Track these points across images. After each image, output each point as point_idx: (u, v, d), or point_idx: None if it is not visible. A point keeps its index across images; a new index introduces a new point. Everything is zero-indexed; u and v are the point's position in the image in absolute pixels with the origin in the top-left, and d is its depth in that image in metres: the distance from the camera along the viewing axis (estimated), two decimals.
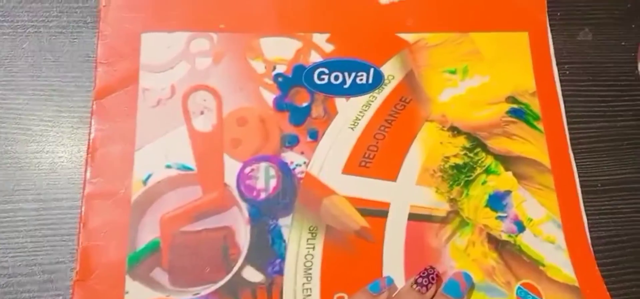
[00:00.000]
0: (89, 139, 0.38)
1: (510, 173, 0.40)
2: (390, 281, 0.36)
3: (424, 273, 0.36)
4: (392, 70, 0.42)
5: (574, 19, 0.47)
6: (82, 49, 0.42)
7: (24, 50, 0.42)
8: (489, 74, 0.42)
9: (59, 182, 0.39)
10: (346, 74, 0.41)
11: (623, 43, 0.47)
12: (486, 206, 0.39)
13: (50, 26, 0.42)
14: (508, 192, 0.39)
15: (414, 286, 0.35)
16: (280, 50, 0.41)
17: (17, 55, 0.41)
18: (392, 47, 0.42)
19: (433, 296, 0.35)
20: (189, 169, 0.38)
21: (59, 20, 0.43)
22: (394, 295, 0.36)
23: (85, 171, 0.37)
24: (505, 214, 0.39)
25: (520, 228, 0.38)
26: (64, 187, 0.39)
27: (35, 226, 0.38)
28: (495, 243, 0.38)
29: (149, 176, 0.38)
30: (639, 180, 0.43)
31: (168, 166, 0.38)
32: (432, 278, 0.36)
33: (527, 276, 0.37)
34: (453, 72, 0.42)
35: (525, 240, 0.38)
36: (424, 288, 0.35)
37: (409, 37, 0.43)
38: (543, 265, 0.38)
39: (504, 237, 0.38)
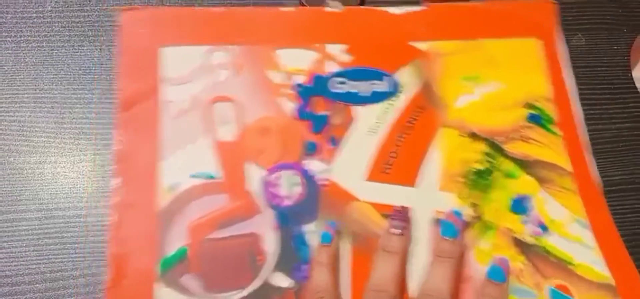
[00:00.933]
0: (115, 150, 0.38)
1: (530, 177, 0.41)
2: (333, 223, 0.38)
3: (396, 216, 0.37)
4: (407, 78, 0.43)
5: (567, 25, 0.48)
6: (83, 62, 0.43)
7: (26, 64, 0.42)
8: (503, 80, 0.43)
9: (61, 192, 0.40)
10: (363, 82, 0.42)
11: (615, 47, 0.49)
12: (508, 209, 0.40)
13: (52, 40, 0.43)
14: (529, 196, 0.40)
15: (393, 230, 0.37)
16: (298, 61, 0.42)
17: (19, 69, 0.42)
18: (406, 55, 0.43)
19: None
20: (214, 177, 0.39)
21: (61, 35, 0.43)
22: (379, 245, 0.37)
23: (113, 181, 0.38)
24: (528, 217, 0.39)
25: (544, 229, 0.39)
26: (66, 197, 0.39)
27: (37, 235, 0.38)
28: (520, 245, 0.39)
29: (175, 185, 0.38)
30: (635, 181, 0.45)
31: (193, 176, 0.38)
32: (406, 217, 0.38)
33: (556, 275, 0.38)
34: (468, 79, 0.43)
35: (551, 241, 0.39)
36: (406, 230, 0.37)
37: (423, 45, 0.44)
38: (572, 264, 0.38)
39: (529, 239, 0.39)
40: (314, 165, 0.40)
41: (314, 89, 0.42)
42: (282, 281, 0.37)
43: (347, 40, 0.43)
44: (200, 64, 0.41)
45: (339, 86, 0.42)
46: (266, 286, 0.37)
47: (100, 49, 0.44)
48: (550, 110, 0.43)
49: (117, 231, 0.37)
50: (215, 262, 0.37)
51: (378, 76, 0.42)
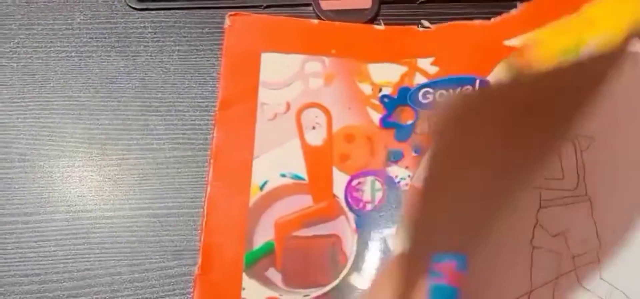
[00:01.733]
0: (212, 146, 0.41)
1: None
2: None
3: None
4: (498, 77, 0.42)
5: None
6: (109, 71, 0.45)
7: (56, 73, 0.45)
8: (609, 29, 0.40)
9: (89, 195, 0.42)
10: (451, 90, 0.43)
11: None
12: None
13: (80, 51, 0.45)
14: None
15: None
16: (386, 75, 0.44)
17: (50, 77, 0.44)
18: (498, 56, 0.43)
19: None
20: (301, 179, 0.41)
21: (90, 46, 0.45)
22: None
23: (208, 174, 0.41)
24: None
25: None
26: (93, 199, 0.42)
27: (65, 236, 0.40)
28: None
29: (266, 183, 0.40)
30: None
31: (283, 175, 0.41)
32: None
33: None
34: (567, 52, 0.41)
35: None
36: None
37: (515, 41, 0.43)
38: None
39: None
40: (397, 172, 0.41)
41: (398, 100, 0.43)
42: (361, 282, 0.38)
43: (436, 53, 0.44)
44: (295, 71, 0.44)
45: (425, 96, 0.43)
46: (344, 286, 0.38)
47: (126, 60, 0.45)
48: None
49: (210, 222, 0.39)
50: (299, 259, 0.39)
51: (467, 80, 0.42)
